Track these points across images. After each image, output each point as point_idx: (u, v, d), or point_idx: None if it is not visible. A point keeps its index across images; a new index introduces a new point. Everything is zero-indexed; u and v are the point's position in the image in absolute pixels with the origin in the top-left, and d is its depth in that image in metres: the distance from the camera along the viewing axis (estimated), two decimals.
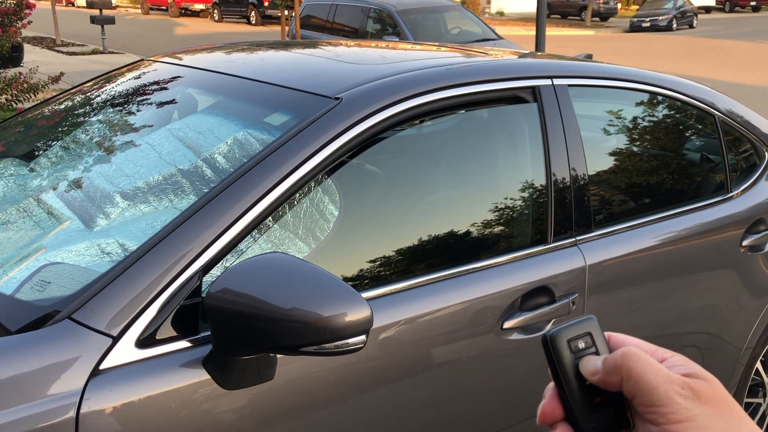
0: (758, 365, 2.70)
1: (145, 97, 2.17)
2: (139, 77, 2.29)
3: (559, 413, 0.57)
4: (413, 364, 1.69)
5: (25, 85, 6.04)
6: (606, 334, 0.59)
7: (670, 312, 2.29)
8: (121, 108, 2.17)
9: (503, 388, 1.89)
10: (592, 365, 0.57)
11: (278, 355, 1.41)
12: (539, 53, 2.87)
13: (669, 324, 2.29)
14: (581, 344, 0.58)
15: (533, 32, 9.93)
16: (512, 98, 2.00)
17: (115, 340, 1.29)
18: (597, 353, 0.58)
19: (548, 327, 1.86)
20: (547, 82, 2.04)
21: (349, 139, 1.63)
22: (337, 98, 1.70)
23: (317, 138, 1.60)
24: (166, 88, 2.17)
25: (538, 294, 1.88)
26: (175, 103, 2.12)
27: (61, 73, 6.40)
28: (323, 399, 1.54)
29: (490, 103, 2.04)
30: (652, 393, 0.53)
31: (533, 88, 2.01)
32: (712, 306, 2.43)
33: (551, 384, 0.58)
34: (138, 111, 2.12)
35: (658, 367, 0.54)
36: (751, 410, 2.77)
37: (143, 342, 1.32)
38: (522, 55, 2.46)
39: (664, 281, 2.26)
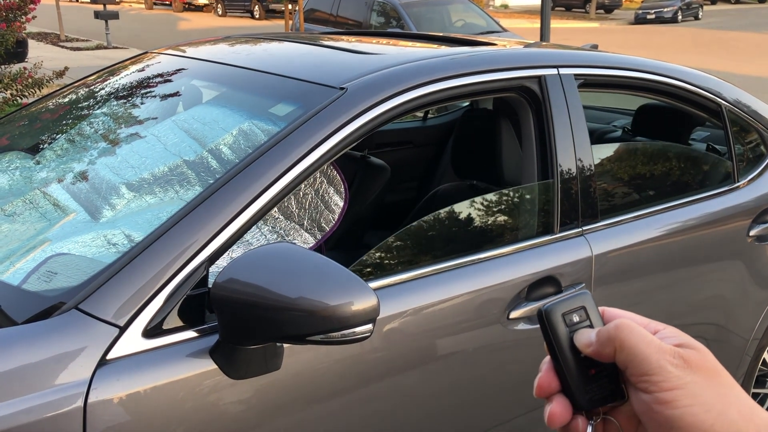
0: (765, 356, 2.69)
1: (149, 89, 2.17)
2: (143, 69, 2.29)
3: (555, 386, 0.58)
4: (419, 355, 1.68)
5: (29, 80, 6.04)
6: (600, 308, 0.60)
7: (677, 302, 2.29)
8: (126, 100, 2.17)
9: (510, 378, 1.89)
10: (586, 338, 0.58)
11: (285, 345, 1.41)
12: (544, 43, 2.86)
13: (675, 314, 2.29)
14: (576, 318, 0.59)
15: (538, 25, 9.89)
16: (518, 88, 1.99)
17: (122, 330, 1.29)
18: (591, 326, 0.59)
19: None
20: (553, 71, 2.03)
21: (355, 129, 1.63)
22: (342, 88, 1.69)
23: (322, 128, 1.59)
24: (170, 80, 2.17)
25: (545, 284, 1.88)
26: (180, 94, 2.11)
27: (66, 68, 6.40)
28: (329, 390, 1.54)
29: (496, 92, 2.03)
30: (644, 362, 0.54)
31: (539, 78, 1.99)
32: (719, 297, 2.42)
33: (547, 357, 0.60)
34: (143, 103, 2.12)
35: (650, 338, 0.55)
36: (758, 401, 2.76)
37: (150, 332, 1.32)
38: (527, 45, 2.45)
39: (671, 271, 2.25)
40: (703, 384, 0.53)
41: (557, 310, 0.59)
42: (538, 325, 1.89)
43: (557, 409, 0.57)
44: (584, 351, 0.57)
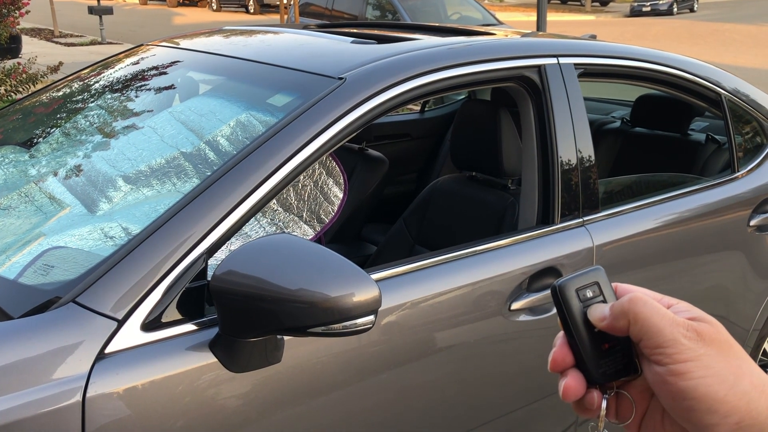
0: (766, 346, 2.69)
1: (145, 81, 2.15)
2: (138, 62, 2.27)
3: (569, 360, 0.59)
4: (419, 347, 1.67)
5: (23, 75, 6.01)
6: (613, 284, 0.61)
7: (677, 293, 2.27)
8: (121, 93, 2.14)
9: (511, 370, 1.88)
10: (600, 312, 0.58)
11: (285, 338, 1.40)
12: (543, 33, 2.84)
13: None
14: (589, 293, 0.59)
15: (534, 17, 9.88)
16: (517, 77, 1.97)
17: (121, 323, 1.28)
18: (604, 302, 0.59)
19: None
20: (553, 60, 2.01)
21: (354, 119, 1.61)
22: (340, 78, 1.67)
23: (321, 118, 1.57)
24: (166, 72, 2.14)
25: (546, 275, 1.87)
26: (176, 86, 2.09)
27: (60, 63, 6.37)
28: (329, 383, 1.52)
29: (495, 82, 2.01)
30: (658, 335, 0.54)
31: (539, 67, 1.98)
32: (720, 287, 2.42)
33: (561, 333, 0.60)
34: (138, 95, 2.09)
35: (664, 311, 0.56)
36: None
37: (149, 325, 1.30)
38: (527, 34, 2.43)
39: (672, 262, 2.24)
40: (716, 356, 0.53)
41: (571, 285, 0.59)
42: (539, 317, 1.88)
43: (572, 383, 0.58)
44: (598, 325, 0.58)
